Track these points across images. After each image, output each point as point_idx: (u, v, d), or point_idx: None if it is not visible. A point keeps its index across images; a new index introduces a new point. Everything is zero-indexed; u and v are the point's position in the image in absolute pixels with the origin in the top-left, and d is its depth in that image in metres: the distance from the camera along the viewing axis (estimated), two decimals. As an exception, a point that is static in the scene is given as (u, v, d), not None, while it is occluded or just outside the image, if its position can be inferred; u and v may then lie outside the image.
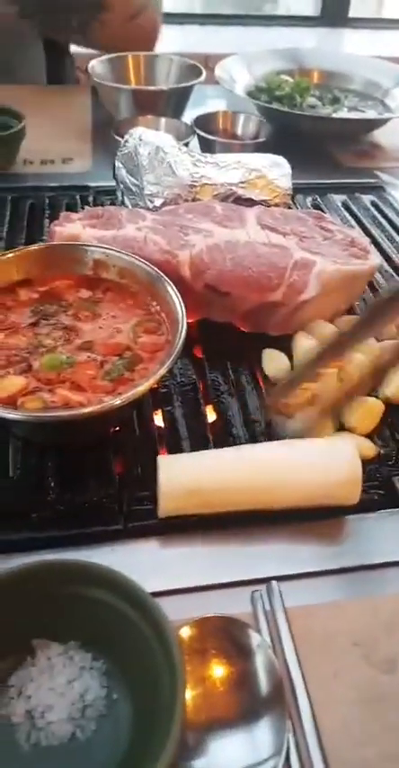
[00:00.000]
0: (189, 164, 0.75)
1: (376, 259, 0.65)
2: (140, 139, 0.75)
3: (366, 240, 0.67)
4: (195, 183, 0.73)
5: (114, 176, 0.77)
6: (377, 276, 0.72)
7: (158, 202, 0.72)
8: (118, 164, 0.76)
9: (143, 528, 0.48)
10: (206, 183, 0.74)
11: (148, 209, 0.71)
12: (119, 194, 0.77)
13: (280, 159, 0.78)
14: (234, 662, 0.38)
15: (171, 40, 2.19)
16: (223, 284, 0.59)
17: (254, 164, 0.77)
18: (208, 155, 0.79)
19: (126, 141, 0.77)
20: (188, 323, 0.51)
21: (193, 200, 0.72)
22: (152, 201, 0.72)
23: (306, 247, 0.62)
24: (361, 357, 0.55)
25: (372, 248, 0.66)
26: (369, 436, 0.54)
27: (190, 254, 0.60)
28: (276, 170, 0.77)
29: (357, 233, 0.70)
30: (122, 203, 0.76)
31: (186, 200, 0.72)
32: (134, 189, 0.74)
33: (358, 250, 0.64)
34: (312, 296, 0.59)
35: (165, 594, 0.42)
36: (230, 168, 0.76)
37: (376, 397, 0.56)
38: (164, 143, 0.76)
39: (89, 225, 0.64)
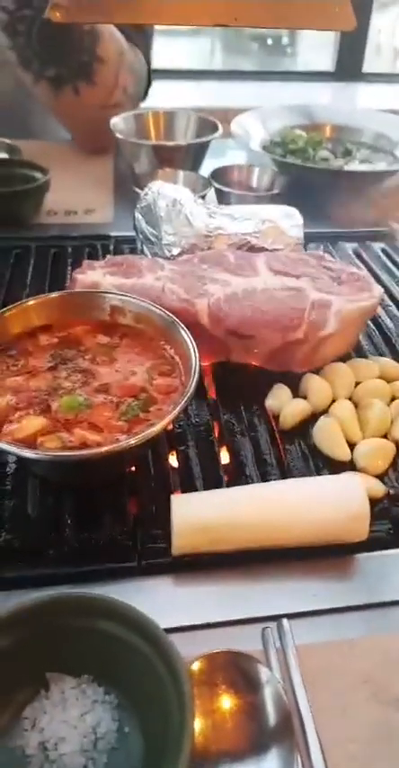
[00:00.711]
0: (204, 215, 0.79)
1: (379, 288, 0.68)
2: (159, 193, 0.80)
3: (364, 272, 0.70)
4: (210, 234, 0.77)
5: (134, 227, 0.81)
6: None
7: (175, 251, 0.76)
8: (137, 215, 0.80)
9: (156, 565, 0.49)
10: (220, 234, 0.77)
11: (166, 257, 0.74)
12: (138, 244, 0.80)
13: (292, 210, 0.81)
14: (244, 695, 0.38)
15: (191, 95, 2.28)
16: (246, 328, 0.62)
17: (267, 215, 0.80)
18: (223, 206, 0.83)
19: (145, 194, 0.81)
20: (202, 365, 0.53)
21: (208, 249, 0.76)
22: (169, 250, 0.76)
23: (320, 288, 0.66)
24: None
25: (371, 278, 0.69)
26: (378, 476, 0.55)
27: (209, 303, 0.63)
28: (288, 220, 0.80)
29: (355, 267, 0.73)
30: (141, 252, 0.79)
31: (202, 250, 0.75)
32: (152, 239, 0.78)
33: (362, 284, 0.67)
34: (331, 332, 0.62)
35: (177, 631, 0.43)
36: (244, 219, 0.79)
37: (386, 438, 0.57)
38: (182, 196, 0.80)
39: (110, 273, 0.67)
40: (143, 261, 0.69)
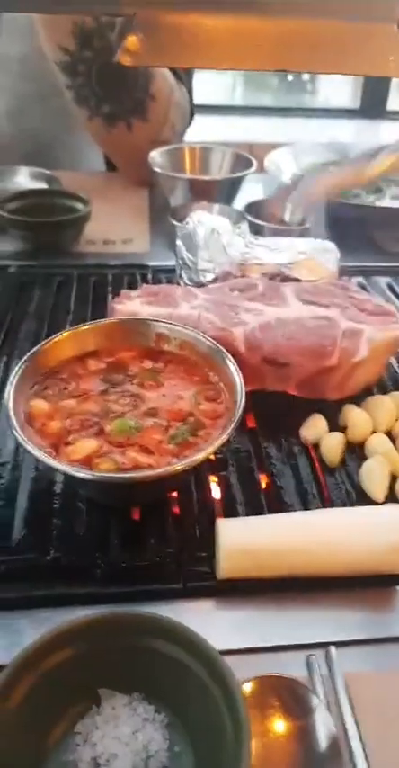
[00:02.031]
0: (241, 245, 0.81)
1: None
2: (199, 221, 0.83)
3: (391, 306, 0.72)
4: (245, 263, 0.79)
5: (175, 253, 0.84)
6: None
7: (210, 277, 0.78)
8: (178, 242, 0.84)
9: (201, 588, 0.50)
10: (255, 263, 0.79)
11: (200, 284, 0.77)
12: (177, 269, 0.83)
13: (330, 245, 0.84)
14: (294, 720, 0.39)
15: (215, 129, 2.33)
16: (281, 356, 0.64)
17: (304, 247, 0.82)
18: (260, 238, 0.85)
19: (187, 222, 0.84)
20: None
21: (242, 277, 0.78)
22: (205, 276, 0.78)
23: (349, 317, 0.68)
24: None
25: (396, 310, 0.72)
26: (420, 507, 0.55)
27: (244, 331, 0.65)
28: (325, 254, 0.82)
29: (381, 300, 0.76)
30: (180, 276, 0.82)
31: (235, 277, 0.78)
32: (190, 264, 0.81)
33: (387, 316, 0.69)
34: (363, 358, 0.64)
35: (221, 654, 0.44)
36: (280, 251, 0.82)
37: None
38: (220, 226, 0.83)
39: (147, 303, 0.69)
40: (177, 290, 0.71)
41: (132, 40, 0.46)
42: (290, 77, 2.95)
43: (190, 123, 1.28)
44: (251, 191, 1.17)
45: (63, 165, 1.26)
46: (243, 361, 0.63)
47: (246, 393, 0.66)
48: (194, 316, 0.66)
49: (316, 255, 0.81)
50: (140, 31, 0.46)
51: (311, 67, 0.50)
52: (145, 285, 0.74)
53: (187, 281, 0.80)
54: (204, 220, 0.83)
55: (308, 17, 0.48)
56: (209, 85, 2.68)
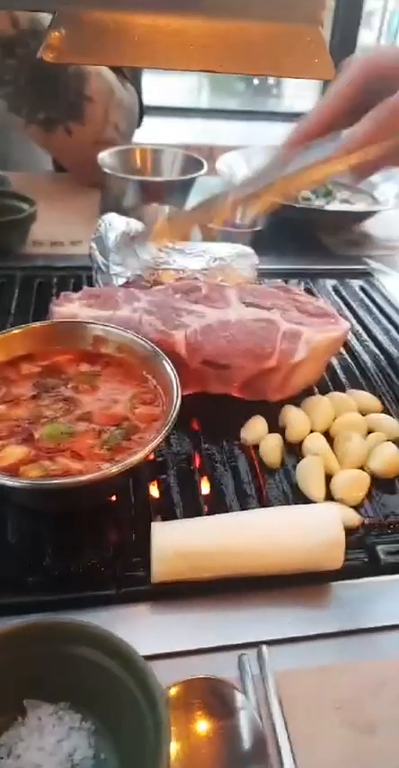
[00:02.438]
0: (154, 249, 0.81)
1: (345, 323, 0.71)
2: (110, 224, 0.83)
3: (332, 308, 0.74)
4: (157, 267, 0.79)
5: (89, 256, 0.83)
6: (352, 338, 0.80)
7: (121, 281, 0.78)
8: (92, 244, 0.83)
9: (135, 593, 0.49)
10: (168, 268, 0.79)
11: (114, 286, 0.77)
12: (93, 273, 0.83)
13: (248, 250, 0.84)
14: (220, 721, 0.39)
15: (178, 131, 2.34)
16: (221, 358, 0.64)
17: (220, 253, 0.82)
18: (176, 242, 0.84)
19: (99, 226, 0.84)
20: (184, 397, 0.55)
21: (154, 282, 0.78)
22: (117, 280, 0.78)
23: (289, 319, 0.68)
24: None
25: (336, 312, 0.73)
26: (354, 507, 0.56)
27: (185, 334, 0.64)
28: (241, 260, 0.82)
29: (322, 302, 0.77)
30: (96, 280, 0.82)
31: (148, 281, 0.77)
32: (104, 268, 0.80)
33: (329, 316, 0.70)
34: (301, 359, 0.65)
35: (155, 658, 0.43)
36: (194, 255, 0.81)
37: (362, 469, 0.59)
38: (131, 229, 0.82)
39: (87, 305, 0.68)
40: (119, 292, 0.71)
41: (55, 36, 0.45)
42: (256, 81, 2.97)
43: (140, 123, 1.28)
44: (206, 193, 1.17)
45: (12, 166, 1.24)
46: (184, 364, 0.63)
47: (188, 396, 0.67)
48: (135, 318, 0.66)
49: (232, 261, 0.81)
50: (63, 27, 0.46)
51: (237, 69, 0.50)
52: (86, 287, 0.73)
53: (101, 285, 0.80)
54: (115, 224, 0.83)
55: (236, 18, 0.48)
56: (174, 88, 2.69)
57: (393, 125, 0.65)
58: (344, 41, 2.37)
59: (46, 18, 1.02)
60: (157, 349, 0.60)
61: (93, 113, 1.10)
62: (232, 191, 0.72)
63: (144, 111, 1.27)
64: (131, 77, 1.22)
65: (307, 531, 0.49)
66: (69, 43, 0.46)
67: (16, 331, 0.61)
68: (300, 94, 2.81)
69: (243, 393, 0.67)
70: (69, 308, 0.67)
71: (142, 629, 0.47)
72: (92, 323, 0.63)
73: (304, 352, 0.65)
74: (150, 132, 1.41)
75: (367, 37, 2.77)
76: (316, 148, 0.69)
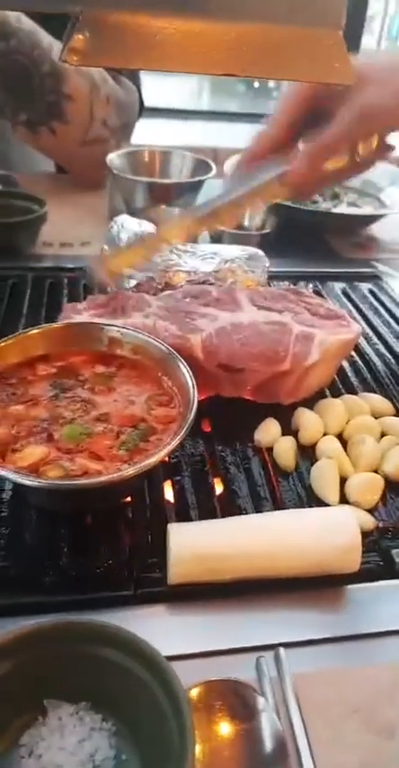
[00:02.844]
0: (166, 251, 0.81)
1: (357, 326, 0.72)
2: (122, 225, 0.83)
3: (343, 311, 0.74)
4: (168, 269, 0.79)
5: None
6: (362, 341, 0.80)
7: (133, 283, 0.78)
8: (105, 246, 0.83)
9: (152, 594, 0.49)
10: (178, 270, 0.79)
11: (125, 290, 0.76)
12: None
13: (258, 252, 0.84)
14: (241, 723, 0.39)
15: (179, 134, 2.34)
16: (236, 362, 0.64)
17: (230, 255, 0.82)
18: (188, 244, 0.84)
19: (111, 227, 0.84)
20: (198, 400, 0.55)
21: (166, 284, 0.78)
22: (128, 282, 0.78)
23: (302, 321, 0.69)
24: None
25: (346, 314, 0.73)
26: (368, 510, 0.56)
27: (201, 338, 0.65)
28: (251, 262, 0.82)
29: (331, 304, 0.77)
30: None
31: (159, 284, 0.78)
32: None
33: (340, 320, 0.71)
34: (314, 361, 0.65)
35: (172, 660, 0.43)
36: (206, 257, 0.81)
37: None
38: (144, 230, 0.83)
39: (96, 315, 0.68)
40: (127, 299, 0.70)
41: (78, 39, 0.45)
42: (256, 84, 2.97)
43: (138, 116, 1.26)
44: (214, 194, 1.17)
45: (20, 167, 1.24)
46: (200, 368, 0.63)
47: (202, 399, 0.67)
48: (149, 325, 0.66)
49: (242, 263, 0.81)
50: (86, 29, 0.46)
51: (259, 73, 0.50)
52: (90, 296, 0.72)
53: (113, 287, 0.79)
54: (128, 225, 0.83)
55: (257, 22, 0.48)
56: (174, 90, 2.69)
57: (363, 125, 0.67)
58: (347, 45, 2.37)
59: (14, 19, 1.01)
60: (172, 350, 0.60)
61: (76, 111, 1.10)
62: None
63: (143, 104, 1.26)
64: (127, 72, 1.20)
65: (324, 534, 0.50)
66: (93, 46, 0.46)
67: (33, 332, 0.61)
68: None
69: (256, 396, 0.67)
70: (77, 319, 0.67)
71: (159, 631, 0.48)
72: (108, 324, 0.63)
73: (316, 354, 0.65)
74: (152, 135, 1.41)
75: (367, 41, 2.77)
76: (264, 170, 0.72)
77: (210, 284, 0.77)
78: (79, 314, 0.68)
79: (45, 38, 1.03)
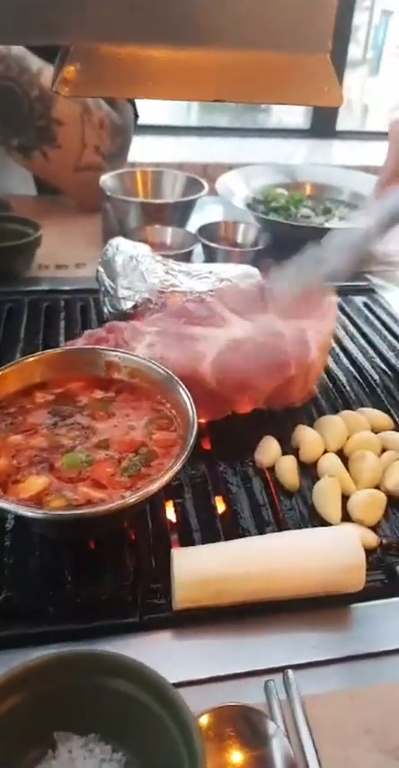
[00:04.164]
0: (161, 272, 0.81)
1: (332, 298, 0.74)
2: (117, 249, 0.84)
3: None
4: (164, 290, 0.79)
5: (97, 279, 0.84)
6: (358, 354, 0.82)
7: (129, 305, 0.78)
8: (100, 268, 0.84)
9: (158, 620, 0.49)
10: (174, 290, 0.79)
11: (122, 312, 0.78)
12: (100, 296, 0.83)
13: (252, 270, 0.84)
14: (252, 750, 0.39)
15: (170, 150, 2.35)
16: (249, 380, 0.65)
17: (225, 273, 0.83)
18: (182, 264, 0.85)
19: (106, 250, 0.85)
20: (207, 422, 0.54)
21: (162, 304, 0.78)
22: (125, 304, 0.79)
23: (286, 321, 0.70)
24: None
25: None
26: (371, 527, 0.56)
27: (210, 364, 0.64)
28: (246, 280, 0.82)
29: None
30: (103, 303, 0.82)
31: (156, 304, 0.78)
32: (111, 291, 0.81)
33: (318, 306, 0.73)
34: (314, 357, 0.67)
35: (180, 686, 0.43)
36: (201, 277, 0.82)
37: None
38: (139, 253, 0.83)
39: None
40: (122, 331, 0.68)
41: (69, 71, 0.46)
42: (245, 99, 2.99)
43: (133, 131, 1.26)
44: (207, 212, 1.19)
45: (13, 190, 1.25)
46: (212, 393, 0.63)
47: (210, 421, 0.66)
48: (156, 356, 0.64)
49: (237, 282, 0.82)
50: (77, 61, 0.46)
51: (249, 98, 0.51)
52: (86, 331, 0.71)
53: (110, 308, 0.81)
54: (123, 247, 0.84)
55: (246, 48, 0.49)
56: (164, 106, 2.71)
57: None
58: (333, 56, 2.40)
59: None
60: (171, 373, 0.60)
61: (67, 135, 1.10)
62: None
63: (138, 116, 1.26)
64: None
65: (328, 554, 0.50)
66: (84, 77, 0.46)
67: (30, 359, 0.61)
68: (288, 110, 2.84)
69: (270, 404, 0.67)
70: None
71: (165, 657, 0.47)
72: (104, 348, 0.63)
73: (314, 350, 0.67)
74: (142, 152, 1.41)
75: (353, 51, 2.80)
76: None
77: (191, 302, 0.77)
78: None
79: (34, 62, 1.04)
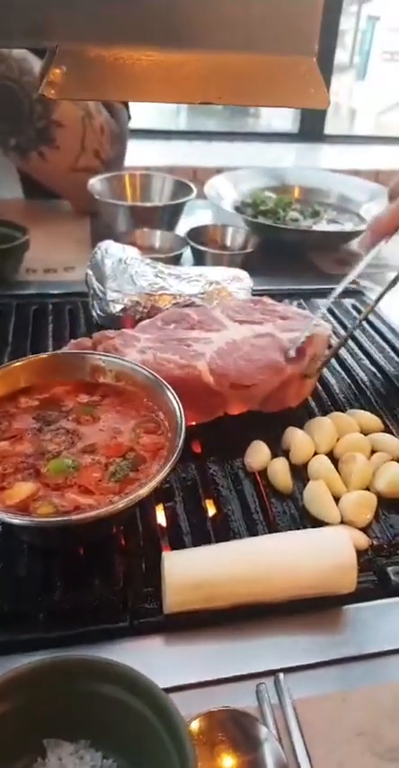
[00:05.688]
0: (150, 275, 0.81)
1: (326, 324, 0.75)
2: (106, 252, 0.84)
3: (306, 311, 0.78)
4: (154, 293, 0.79)
5: (86, 282, 0.84)
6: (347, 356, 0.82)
7: (119, 308, 0.79)
8: (89, 271, 0.84)
9: (148, 625, 0.49)
10: (164, 293, 0.79)
11: (111, 315, 0.78)
12: (89, 299, 0.83)
13: (242, 273, 0.85)
14: (243, 754, 0.39)
15: (159, 154, 2.36)
16: (246, 378, 0.65)
17: (215, 277, 0.83)
18: (172, 267, 0.85)
19: (95, 253, 0.85)
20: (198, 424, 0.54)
21: (152, 307, 0.78)
22: (114, 307, 0.79)
23: (282, 328, 0.71)
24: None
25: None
26: (362, 528, 0.56)
27: (207, 362, 0.65)
28: (236, 283, 0.83)
29: (295, 307, 0.80)
30: (92, 306, 0.83)
31: (145, 307, 0.78)
32: (100, 294, 0.81)
33: (310, 318, 0.74)
34: (308, 361, 0.68)
35: (172, 690, 0.43)
36: (191, 280, 0.82)
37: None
38: (128, 255, 0.84)
39: None
40: (114, 339, 0.68)
41: (55, 73, 0.46)
42: (233, 103, 3.00)
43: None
44: (196, 216, 1.19)
45: (1, 193, 1.24)
46: (207, 391, 0.63)
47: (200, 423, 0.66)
48: (149, 360, 0.64)
49: (227, 285, 0.82)
50: (63, 63, 0.46)
51: (235, 100, 0.51)
52: (73, 341, 0.70)
53: (99, 311, 0.80)
54: (111, 251, 0.83)
55: (233, 51, 0.49)
56: (154, 110, 2.71)
57: None
58: (320, 60, 2.41)
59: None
60: (157, 376, 0.59)
61: (66, 137, 1.11)
62: None
63: (130, 117, 1.26)
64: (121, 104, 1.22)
65: (320, 555, 0.49)
66: (70, 79, 0.46)
67: (16, 364, 0.60)
68: (277, 114, 2.85)
69: (264, 407, 0.67)
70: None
71: (156, 662, 0.47)
72: (89, 352, 0.63)
73: (308, 354, 0.68)
74: (131, 155, 1.41)
75: (340, 56, 2.82)
76: None
77: (188, 306, 0.77)
78: None
79: (35, 64, 1.04)
